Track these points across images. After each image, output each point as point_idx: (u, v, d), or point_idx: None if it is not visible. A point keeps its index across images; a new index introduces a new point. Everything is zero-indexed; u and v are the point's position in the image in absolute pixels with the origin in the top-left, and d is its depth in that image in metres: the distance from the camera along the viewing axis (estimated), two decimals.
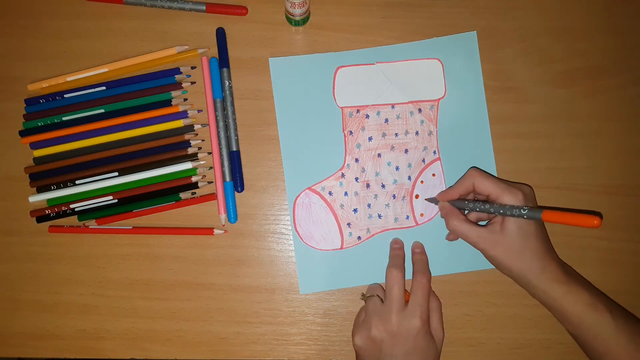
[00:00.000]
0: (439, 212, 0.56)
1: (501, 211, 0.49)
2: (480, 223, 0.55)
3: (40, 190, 0.57)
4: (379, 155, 0.58)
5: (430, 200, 0.57)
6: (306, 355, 0.57)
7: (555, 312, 0.51)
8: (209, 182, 0.58)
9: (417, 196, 0.57)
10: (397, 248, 0.57)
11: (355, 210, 0.57)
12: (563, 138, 0.58)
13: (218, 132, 0.57)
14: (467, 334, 0.52)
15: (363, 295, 0.55)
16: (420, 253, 0.56)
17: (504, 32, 0.59)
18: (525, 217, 0.47)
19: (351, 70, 0.58)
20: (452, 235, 0.56)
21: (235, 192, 0.57)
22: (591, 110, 0.58)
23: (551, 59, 0.59)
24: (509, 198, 0.49)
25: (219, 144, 0.57)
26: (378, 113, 0.58)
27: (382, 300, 0.53)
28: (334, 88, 0.58)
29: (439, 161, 0.58)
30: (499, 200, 0.50)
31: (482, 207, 0.51)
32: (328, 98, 0.58)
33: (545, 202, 0.57)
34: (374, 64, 0.58)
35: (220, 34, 0.59)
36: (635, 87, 0.59)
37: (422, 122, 0.58)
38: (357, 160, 0.58)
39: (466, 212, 0.55)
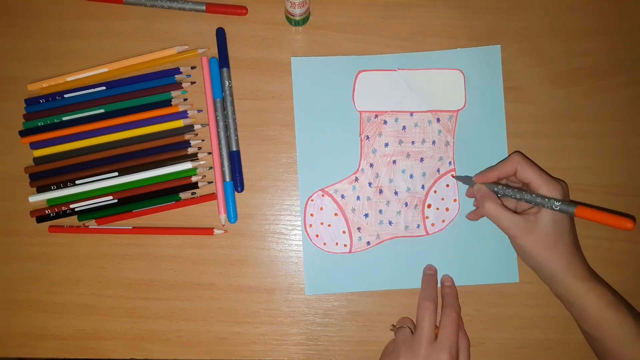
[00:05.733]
0: (455, 214, 0.56)
1: (535, 201, 0.49)
2: None
3: (40, 190, 0.57)
4: (394, 162, 0.57)
5: (463, 179, 0.56)
6: (306, 355, 0.57)
7: (576, 309, 0.50)
8: (209, 182, 0.58)
9: (429, 206, 0.57)
10: (430, 275, 0.56)
11: (366, 215, 0.57)
12: (563, 138, 0.58)
13: (218, 132, 0.57)
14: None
15: (393, 326, 0.55)
16: (449, 287, 0.56)
17: (504, 32, 0.59)
18: (557, 209, 0.47)
19: (372, 74, 0.58)
20: (474, 216, 0.56)
21: (235, 192, 0.57)
22: (591, 110, 0.58)
23: (551, 59, 0.59)
24: (548, 190, 0.49)
25: (219, 144, 0.57)
26: (396, 120, 0.58)
27: (412, 332, 0.53)
28: (353, 91, 0.58)
29: (454, 172, 0.57)
30: (539, 190, 0.50)
31: (515, 194, 0.51)
32: (347, 101, 0.58)
33: None
34: (395, 70, 0.58)
35: (220, 34, 0.59)
36: (635, 87, 0.59)
37: (439, 131, 0.57)
38: (371, 165, 0.57)
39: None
